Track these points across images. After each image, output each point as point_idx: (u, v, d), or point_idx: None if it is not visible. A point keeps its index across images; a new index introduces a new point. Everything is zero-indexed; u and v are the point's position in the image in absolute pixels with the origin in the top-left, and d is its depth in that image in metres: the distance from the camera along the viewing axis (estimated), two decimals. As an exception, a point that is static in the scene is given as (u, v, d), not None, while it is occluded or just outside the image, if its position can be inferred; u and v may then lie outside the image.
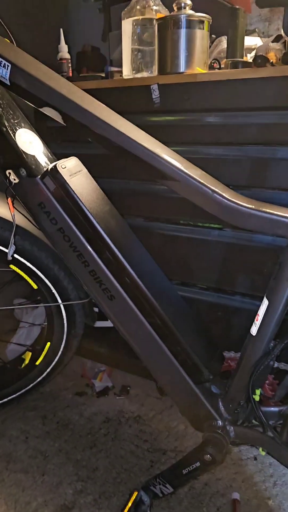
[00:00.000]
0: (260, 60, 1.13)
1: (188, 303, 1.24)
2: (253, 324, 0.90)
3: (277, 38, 1.38)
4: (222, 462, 1.01)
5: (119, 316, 1.01)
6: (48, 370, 1.38)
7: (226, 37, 1.37)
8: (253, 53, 1.40)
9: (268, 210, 0.78)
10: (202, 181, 0.81)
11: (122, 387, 1.55)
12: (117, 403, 1.48)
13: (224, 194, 0.80)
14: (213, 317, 1.29)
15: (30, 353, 1.42)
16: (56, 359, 1.36)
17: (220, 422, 0.98)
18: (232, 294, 1.25)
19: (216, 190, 0.80)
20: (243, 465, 1.23)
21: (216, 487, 1.17)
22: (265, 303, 0.87)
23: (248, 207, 0.79)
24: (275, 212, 0.78)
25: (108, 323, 1.07)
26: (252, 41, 1.50)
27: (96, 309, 1.34)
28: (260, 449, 0.97)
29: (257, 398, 0.93)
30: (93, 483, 1.19)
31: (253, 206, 0.79)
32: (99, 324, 1.35)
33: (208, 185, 0.81)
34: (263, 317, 0.87)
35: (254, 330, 0.90)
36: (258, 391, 0.93)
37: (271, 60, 1.17)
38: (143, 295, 0.96)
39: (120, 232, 0.98)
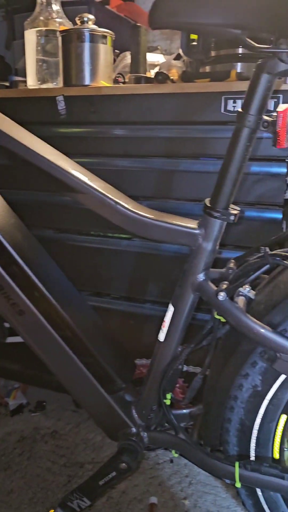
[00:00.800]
0: (161, 76, 1.18)
1: (100, 313, 1.24)
2: (161, 330, 0.93)
3: (178, 56, 1.45)
4: (137, 469, 1.03)
5: (29, 331, 0.98)
6: None
7: (129, 52, 1.41)
8: (156, 69, 1.46)
9: (168, 220, 0.82)
10: (105, 193, 0.83)
11: (37, 403, 1.51)
12: (32, 420, 1.44)
13: (127, 206, 0.82)
14: (125, 325, 1.30)
15: None
16: None
17: (134, 429, 0.99)
18: (143, 302, 1.27)
19: (119, 201, 0.82)
20: (159, 469, 1.26)
21: (133, 494, 1.18)
22: (170, 309, 0.90)
23: (149, 218, 0.81)
24: (175, 222, 0.82)
25: (19, 339, 1.04)
26: (155, 57, 1.56)
27: (7, 325, 1.29)
28: (173, 451, 1.00)
29: (168, 402, 0.96)
30: (7, 507, 1.14)
31: (154, 217, 0.82)
32: (10, 340, 1.30)
33: (112, 197, 0.82)
34: (170, 323, 0.90)
35: (162, 336, 0.92)
36: (169, 395, 0.96)
37: (172, 77, 1.23)
38: (52, 308, 0.95)
39: (26, 245, 0.96)
